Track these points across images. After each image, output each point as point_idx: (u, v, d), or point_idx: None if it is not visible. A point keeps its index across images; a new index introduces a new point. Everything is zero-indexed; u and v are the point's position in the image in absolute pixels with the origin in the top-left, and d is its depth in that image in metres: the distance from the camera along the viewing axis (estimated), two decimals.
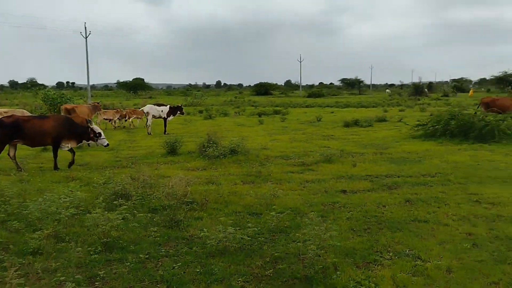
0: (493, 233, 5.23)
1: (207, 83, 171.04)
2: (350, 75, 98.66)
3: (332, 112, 28.50)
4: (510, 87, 47.61)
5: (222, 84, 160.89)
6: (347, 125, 18.95)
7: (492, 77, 56.52)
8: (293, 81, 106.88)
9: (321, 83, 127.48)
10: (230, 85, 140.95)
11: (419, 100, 42.78)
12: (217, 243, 4.75)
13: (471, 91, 60.56)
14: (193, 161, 10.62)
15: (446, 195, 7.10)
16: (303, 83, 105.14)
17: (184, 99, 43.81)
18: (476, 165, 9.55)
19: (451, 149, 12.03)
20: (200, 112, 28.44)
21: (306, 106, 36.60)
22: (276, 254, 4.63)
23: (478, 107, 17.62)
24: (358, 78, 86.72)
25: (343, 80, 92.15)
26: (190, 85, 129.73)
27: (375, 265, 4.43)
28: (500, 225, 5.50)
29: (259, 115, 25.61)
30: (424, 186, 7.82)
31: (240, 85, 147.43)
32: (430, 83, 79.61)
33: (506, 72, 51.27)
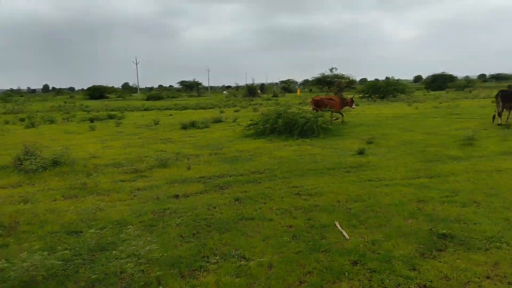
0: (310, 223, 5.63)
1: (32, 87, 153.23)
2: (189, 78, 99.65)
3: (171, 115, 28.15)
4: (327, 87, 53.86)
5: (50, 88, 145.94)
6: (184, 127, 18.85)
7: (313, 78, 63.15)
8: (131, 84, 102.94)
9: (160, 86, 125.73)
10: (60, 89, 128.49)
11: (252, 100, 45.29)
12: (22, 273, 4.06)
13: (298, 91, 66.79)
14: (6, 177, 9.19)
15: (272, 190, 7.47)
16: (142, 86, 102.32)
17: (3, 106, 38.27)
18: (299, 159, 10.34)
19: (279, 145, 12.85)
20: (22, 120, 25.15)
21: (144, 110, 35.50)
22: (93, 276, 4.16)
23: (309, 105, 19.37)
24: (196, 80, 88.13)
25: (182, 83, 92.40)
26: (11, 90, 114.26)
27: (201, 271, 4.33)
28: (316, 215, 5.96)
29: (91, 120, 23.80)
30: (254, 183, 8.11)
31: (71, 89, 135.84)
32: (262, 84, 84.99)
33: (323, 74, 57.87)
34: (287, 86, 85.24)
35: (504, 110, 15.24)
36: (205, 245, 5.00)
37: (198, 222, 5.89)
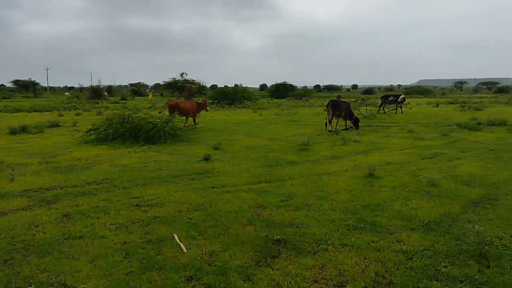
0: (147, 238, 5.25)
1: None
2: (25, 76, 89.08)
3: None
4: (177, 91, 53.56)
5: None
6: (13, 132, 16.68)
7: (164, 83, 62.18)
8: None
9: None
10: None
11: (97, 103, 42.60)
12: None
13: (150, 95, 65.03)
14: None
15: (108, 202, 6.86)
16: None
17: None
18: (143, 167, 9.83)
19: (122, 152, 12.12)
20: None
21: None
22: None
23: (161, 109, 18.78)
24: (33, 79, 79.42)
25: (16, 82, 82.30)
26: None
27: None
28: (154, 228, 5.60)
29: None
30: (88, 195, 7.37)
31: None
32: (110, 86, 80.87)
33: (175, 79, 57.40)
34: (137, 89, 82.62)
35: (334, 118, 16.97)
36: (18, 273, 4.25)
37: (14, 245, 5.03)
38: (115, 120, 15.05)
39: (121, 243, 5.09)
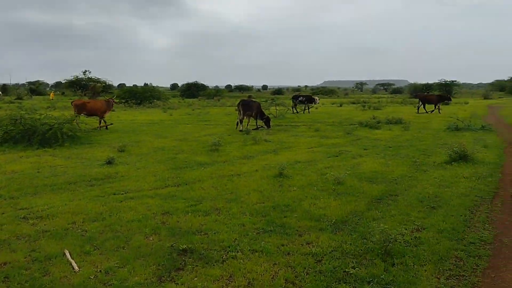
0: (33, 256, 4.59)
1: None
2: None
3: None
4: (80, 90, 50.41)
5: None
6: None
7: (65, 81, 58.10)
8: None
9: None
10: None
11: None
12: None
13: (51, 94, 60.30)
14: None
15: None
16: None
17: None
18: (36, 173, 8.88)
19: (13, 157, 10.91)
20: None
21: None
22: None
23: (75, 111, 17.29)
24: None
25: None
26: None
27: None
28: (42, 244, 4.94)
29: None
30: None
31: None
32: (5, 85, 73.96)
33: (77, 77, 53.95)
34: (35, 88, 76.52)
35: (245, 117, 16.94)
36: None
37: None
38: (5, 122, 13.68)
39: (1, 264, 4.39)
